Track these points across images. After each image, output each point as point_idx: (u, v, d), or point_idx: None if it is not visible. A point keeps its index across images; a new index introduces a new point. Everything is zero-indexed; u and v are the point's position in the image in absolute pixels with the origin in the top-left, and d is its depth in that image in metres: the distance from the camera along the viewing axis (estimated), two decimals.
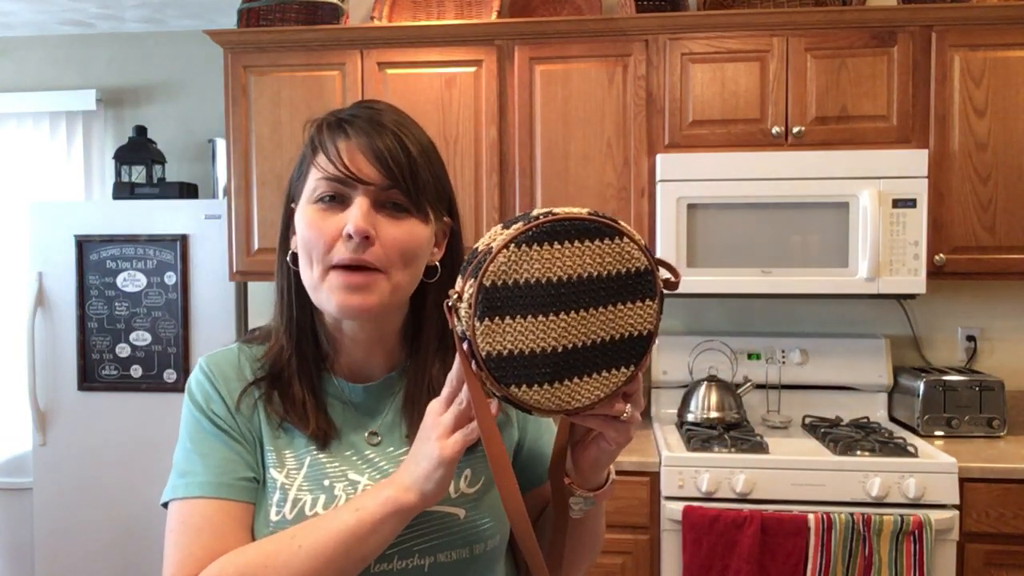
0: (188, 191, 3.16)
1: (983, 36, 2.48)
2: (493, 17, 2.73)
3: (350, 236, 0.87)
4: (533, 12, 2.83)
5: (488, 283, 0.73)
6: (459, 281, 0.76)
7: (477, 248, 0.76)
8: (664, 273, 0.78)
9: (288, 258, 0.96)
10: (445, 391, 0.81)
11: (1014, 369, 2.77)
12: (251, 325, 2.99)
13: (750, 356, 2.77)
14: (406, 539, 0.89)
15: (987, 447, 2.42)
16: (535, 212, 0.76)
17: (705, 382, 2.64)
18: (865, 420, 2.67)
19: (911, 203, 2.43)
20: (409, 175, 0.89)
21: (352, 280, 0.88)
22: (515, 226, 0.74)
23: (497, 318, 0.73)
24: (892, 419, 2.73)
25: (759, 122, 2.56)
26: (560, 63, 2.62)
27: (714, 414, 2.58)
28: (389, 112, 0.94)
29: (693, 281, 2.48)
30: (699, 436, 2.43)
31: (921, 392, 2.54)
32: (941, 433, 2.52)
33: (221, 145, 3.07)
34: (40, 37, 3.56)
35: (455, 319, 0.76)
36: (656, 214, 2.53)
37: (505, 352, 0.73)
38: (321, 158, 0.90)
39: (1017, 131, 2.48)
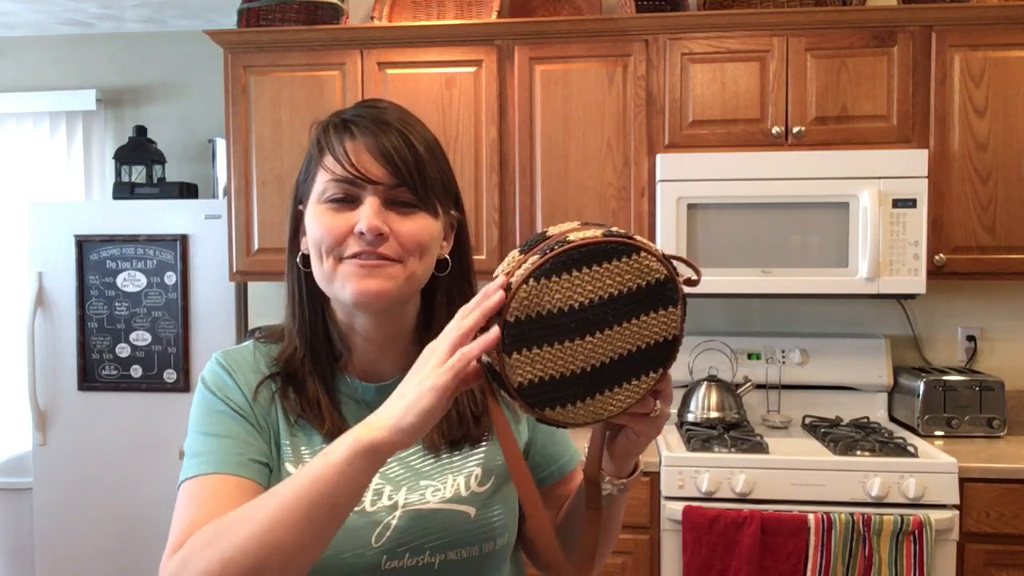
0: (188, 191, 3.16)
1: (983, 36, 2.48)
2: (493, 17, 2.73)
3: (362, 234, 0.87)
4: (533, 12, 2.83)
5: (512, 319, 0.73)
6: None
7: (497, 275, 0.76)
8: (685, 270, 0.79)
9: (299, 260, 0.96)
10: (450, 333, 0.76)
11: (1014, 369, 2.77)
12: (251, 325, 3.00)
13: (750, 356, 2.77)
14: (417, 537, 0.90)
15: (987, 447, 2.42)
16: (550, 233, 0.76)
17: (705, 382, 2.64)
18: (865, 420, 2.67)
19: (911, 203, 2.43)
20: (416, 173, 0.90)
21: (367, 266, 0.88)
22: (532, 259, 0.74)
23: (524, 349, 0.74)
24: (892, 419, 2.73)
25: (759, 122, 2.56)
26: (560, 63, 2.62)
27: (714, 414, 2.58)
28: (393, 110, 0.95)
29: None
30: (699, 436, 2.43)
31: (921, 392, 2.54)
32: (941, 433, 2.52)
33: (221, 145, 3.07)
34: (40, 37, 3.56)
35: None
36: (656, 214, 2.53)
37: (536, 380, 0.74)
38: (328, 159, 0.90)
39: (1017, 131, 2.48)
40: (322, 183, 0.91)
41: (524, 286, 0.73)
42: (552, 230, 0.77)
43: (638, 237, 0.77)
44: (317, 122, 0.96)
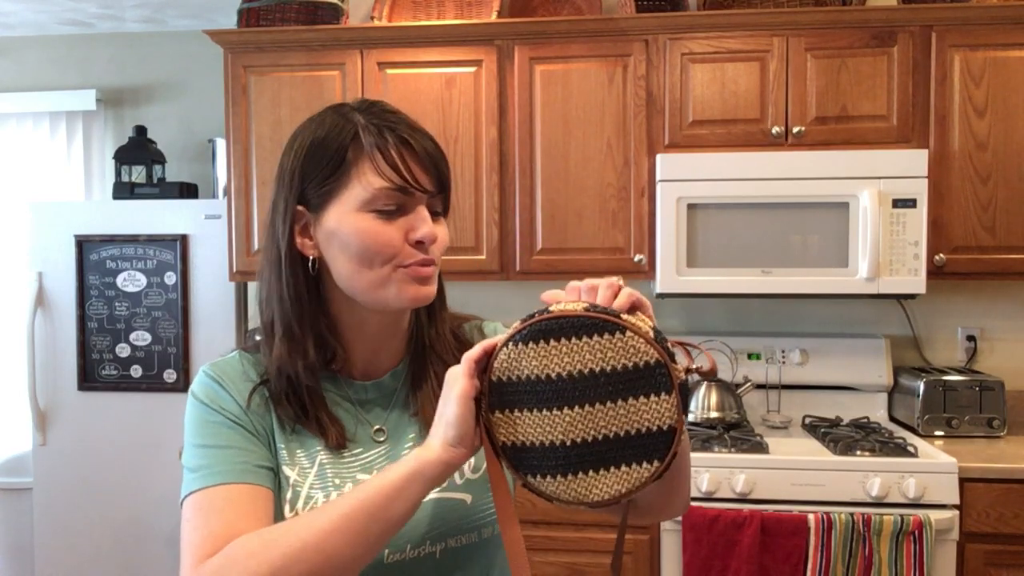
0: (188, 191, 3.15)
1: (983, 36, 2.48)
2: (493, 17, 2.73)
3: (420, 243, 0.91)
4: (533, 12, 2.83)
5: (495, 378, 0.78)
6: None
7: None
8: (700, 360, 0.79)
9: (310, 266, 0.94)
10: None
11: (1014, 369, 2.77)
12: (251, 325, 3.00)
13: (750, 356, 2.77)
14: (417, 527, 0.91)
15: (987, 447, 2.42)
16: (536, 309, 0.80)
17: (705, 382, 2.64)
18: (865, 420, 2.67)
19: (911, 203, 2.43)
20: (448, 181, 0.95)
21: (424, 272, 0.92)
22: (516, 324, 0.78)
23: (507, 410, 0.78)
24: (892, 419, 2.73)
25: (759, 122, 2.56)
26: (560, 63, 2.62)
27: (714, 414, 2.58)
28: (402, 114, 0.96)
29: (693, 281, 2.48)
30: (699, 436, 2.43)
31: (921, 392, 2.54)
32: (941, 433, 2.52)
33: (221, 145, 3.07)
34: (40, 37, 3.56)
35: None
36: (656, 214, 2.53)
37: (519, 443, 0.78)
38: (381, 165, 0.89)
39: (1017, 131, 2.48)
40: (370, 191, 0.89)
41: (505, 348, 0.77)
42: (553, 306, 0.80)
43: (625, 316, 0.76)
44: (338, 113, 0.93)
